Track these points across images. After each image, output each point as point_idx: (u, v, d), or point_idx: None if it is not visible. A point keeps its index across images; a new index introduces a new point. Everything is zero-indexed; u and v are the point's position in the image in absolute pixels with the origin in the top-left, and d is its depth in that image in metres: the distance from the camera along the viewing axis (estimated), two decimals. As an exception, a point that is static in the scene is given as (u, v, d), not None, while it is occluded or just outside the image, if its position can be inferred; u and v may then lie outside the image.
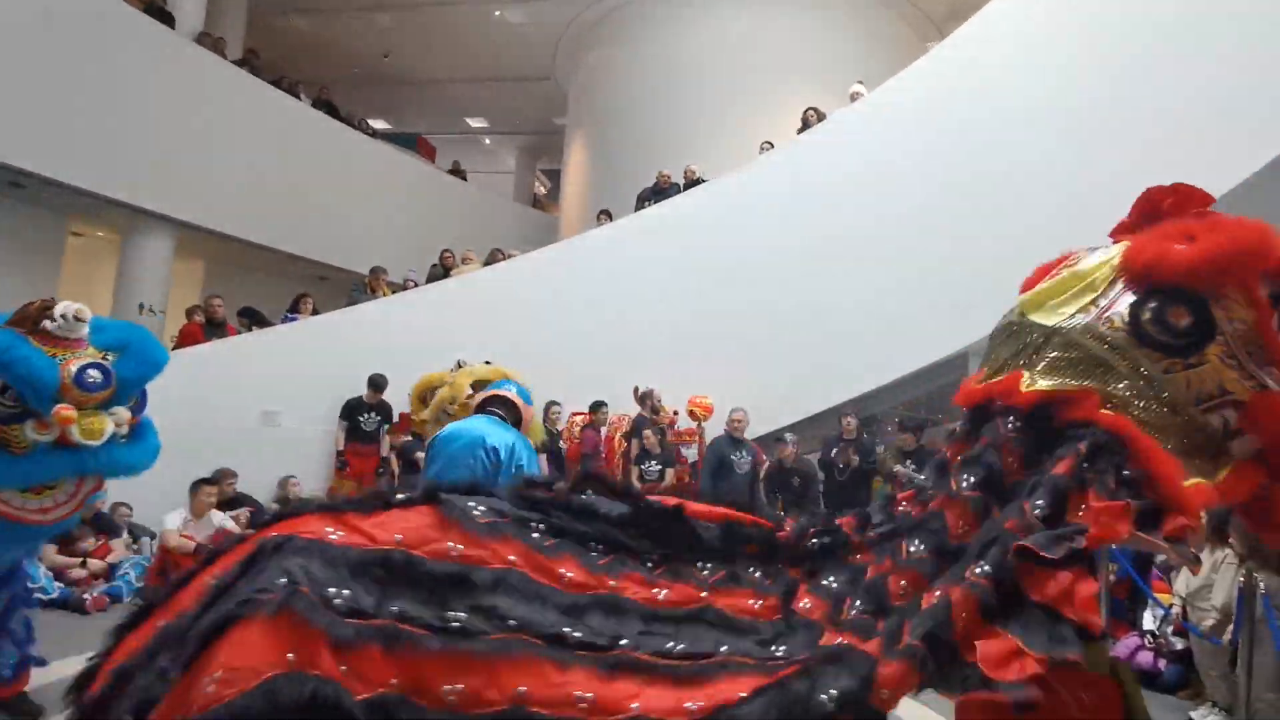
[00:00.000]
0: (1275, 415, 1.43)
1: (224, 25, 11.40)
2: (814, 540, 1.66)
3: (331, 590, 1.28)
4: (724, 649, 1.38)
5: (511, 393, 3.33)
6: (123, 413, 2.95)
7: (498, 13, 12.99)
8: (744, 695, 1.25)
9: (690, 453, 7.20)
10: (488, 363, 4.61)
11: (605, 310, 7.64)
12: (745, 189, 7.81)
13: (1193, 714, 4.09)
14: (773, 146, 9.10)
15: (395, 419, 7.02)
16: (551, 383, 6.93)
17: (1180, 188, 1.67)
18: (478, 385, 3.91)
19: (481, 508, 1.51)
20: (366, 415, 6.89)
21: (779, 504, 6.45)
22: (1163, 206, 1.65)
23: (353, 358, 7.09)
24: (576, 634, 1.35)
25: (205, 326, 7.55)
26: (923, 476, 6.51)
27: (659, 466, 6.56)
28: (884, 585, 1.50)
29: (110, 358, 2.91)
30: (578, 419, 7.12)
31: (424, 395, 4.84)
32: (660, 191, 9.51)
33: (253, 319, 8.14)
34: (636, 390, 7.06)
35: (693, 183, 9.11)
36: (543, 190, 21.25)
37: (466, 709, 1.25)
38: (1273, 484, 1.47)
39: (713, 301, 7.44)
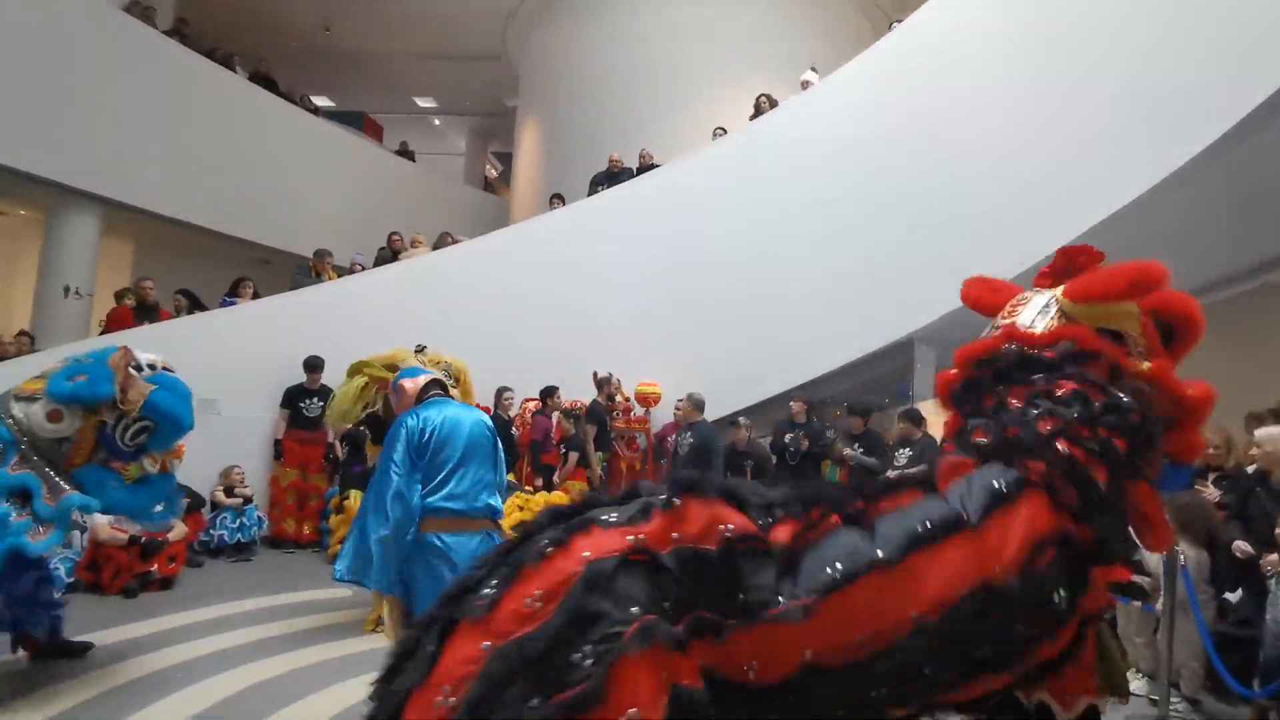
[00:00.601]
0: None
1: (153, -8, 10.81)
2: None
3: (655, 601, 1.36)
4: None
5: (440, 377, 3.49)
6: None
7: (446, -13, 12.67)
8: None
9: (640, 439, 7.23)
10: (420, 347, 4.62)
11: (557, 296, 7.58)
12: (698, 174, 7.82)
13: (1120, 681, 4.30)
14: (725, 132, 9.12)
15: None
16: (503, 368, 6.86)
17: (1086, 248, 2.30)
18: (391, 369, 4.04)
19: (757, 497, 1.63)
20: (308, 401, 6.70)
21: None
22: (1077, 261, 2.25)
23: (296, 344, 6.86)
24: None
25: (136, 310, 7.21)
26: (871, 460, 6.62)
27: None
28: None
29: None
30: (530, 405, 7.06)
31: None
32: (613, 176, 9.45)
33: (191, 300, 7.81)
34: (595, 375, 7.05)
35: (647, 167, 9.08)
36: (494, 173, 20.89)
37: (764, 679, 1.38)
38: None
39: (665, 287, 7.45)
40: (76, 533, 5.39)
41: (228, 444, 6.38)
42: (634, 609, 1.31)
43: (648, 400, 7.28)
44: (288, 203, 11.27)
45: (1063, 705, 1.90)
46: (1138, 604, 4.09)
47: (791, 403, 6.66)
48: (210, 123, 10.08)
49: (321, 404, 6.74)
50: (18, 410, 3.32)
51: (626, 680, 1.25)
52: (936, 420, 4.81)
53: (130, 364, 3.40)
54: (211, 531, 6.03)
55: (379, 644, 4.21)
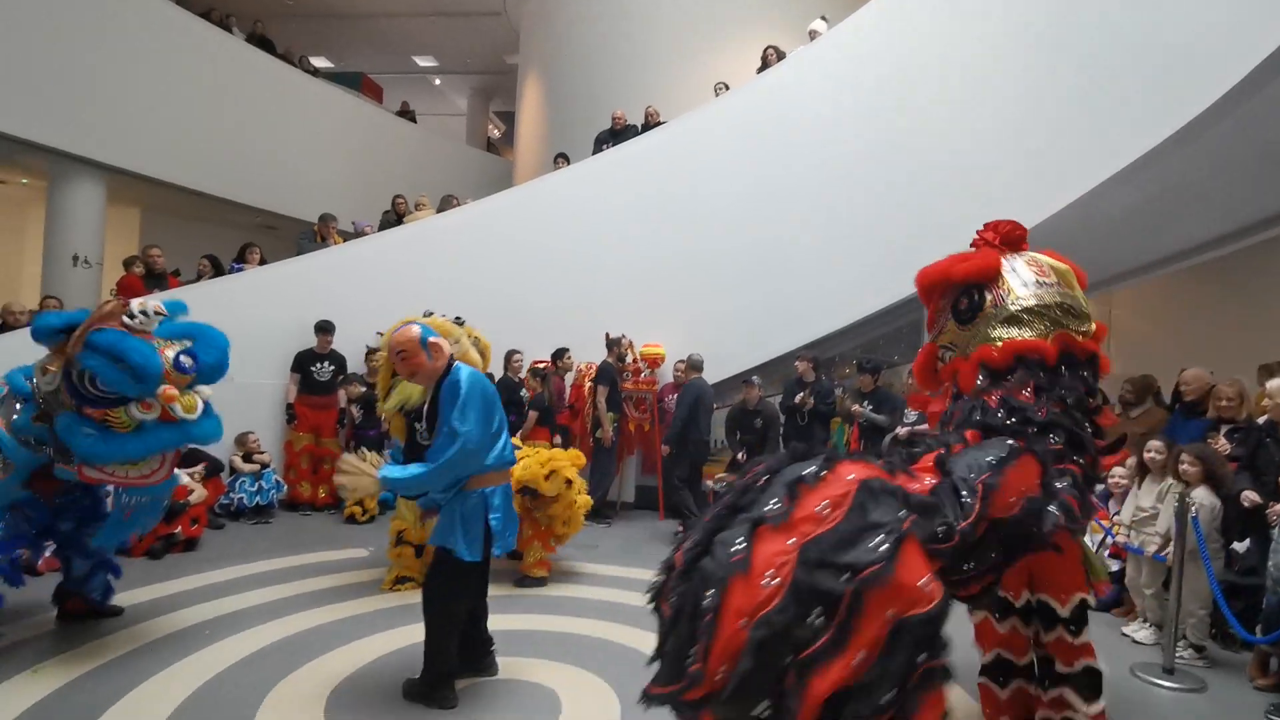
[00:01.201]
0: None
1: (145, -47, 10.57)
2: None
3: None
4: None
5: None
6: (206, 390, 3.58)
7: (443, -59, 12.33)
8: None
9: (649, 400, 7.26)
10: (459, 320, 4.58)
11: (564, 256, 7.53)
12: (704, 130, 7.67)
13: (1125, 629, 4.37)
14: (727, 88, 8.94)
15: (349, 369, 6.89)
16: (511, 331, 6.86)
17: (1011, 223, 2.79)
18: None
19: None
20: (319, 365, 6.73)
21: (740, 444, 6.57)
22: (1014, 235, 2.76)
23: (305, 309, 6.88)
24: None
25: (145, 278, 7.23)
26: (881, 417, 6.65)
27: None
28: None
29: (183, 345, 3.51)
30: (540, 367, 7.07)
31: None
32: (617, 133, 9.31)
33: (215, 265, 7.80)
34: (607, 336, 7.05)
35: (652, 125, 8.93)
36: (497, 133, 20.60)
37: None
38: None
39: (672, 245, 7.39)
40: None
41: (242, 410, 6.43)
42: (901, 512, 1.74)
43: (652, 362, 7.29)
44: (290, 167, 11.17)
45: (1060, 602, 2.60)
46: (1149, 553, 4.13)
47: (796, 362, 6.65)
48: (210, 86, 9.95)
49: (332, 367, 6.79)
50: (37, 378, 3.48)
51: (910, 559, 1.66)
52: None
53: (112, 314, 3.33)
54: (231, 495, 6.13)
55: (395, 602, 4.32)
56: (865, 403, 6.13)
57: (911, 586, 1.61)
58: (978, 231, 2.81)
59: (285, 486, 6.57)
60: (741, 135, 7.45)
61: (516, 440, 4.78)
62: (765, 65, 8.67)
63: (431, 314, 4.93)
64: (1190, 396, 4.99)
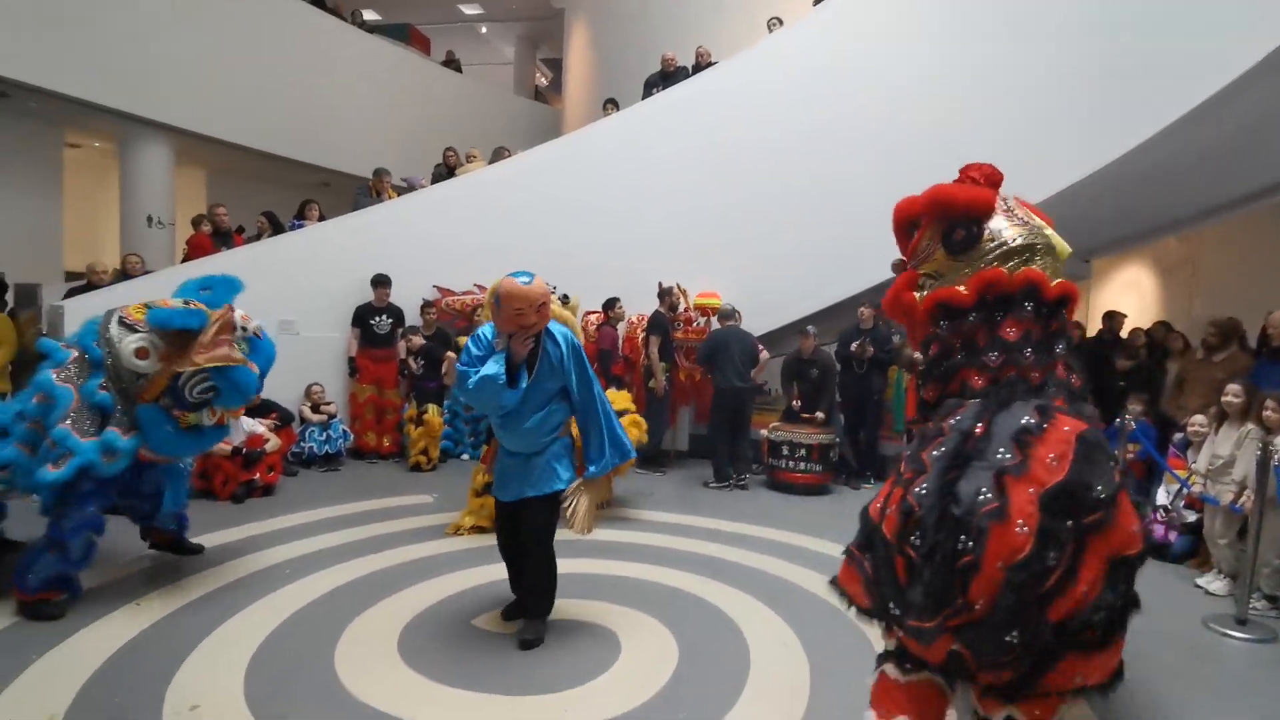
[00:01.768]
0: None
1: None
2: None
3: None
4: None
5: None
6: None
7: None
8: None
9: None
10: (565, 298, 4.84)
11: (616, 205, 7.46)
12: (758, 70, 7.40)
13: (1199, 580, 4.25)
14: (781, 23, 8.57)
15: (406, 321, 7.06)
16: (563, 281, 6.86)
17: (991, 166, 2.75)
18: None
19: None
20: (378, 319, 6.91)
21: (795, 393, 6.51)
22: (995, 178, 2.73)
23: (364, 263, 7.03)
24: None
25: (213, 236, 7.50)
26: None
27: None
28: None
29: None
30: (591, 317, 7.11)
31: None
32: (668, 76, 9.07)
33: (273, 222, 8.05)
34: (660, 285, 7.01)
35: (703, 66, 8.66)
36: (544, 82, 20.34)
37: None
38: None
39: (727, 191, 7.23)
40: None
41: (307, 363, 6.69)
42: (1111, 463, 1.97)
43: (707, 311, 7.23)
44: (344, 123, 11.30)
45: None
46: (1226, 503, 3.97)
47: (861, 309, 6.50)
48: (269, 47, 10.09)
49: (391, 320, 6.96)
50: (114, 331, 3.49)
51: (1124, 507, 1.91)
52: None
53: (230, 325, 3.59)
54: (302, 444, 6.43)
55: (460, 546, 4.50)
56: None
57: (1127, 530, 1.88)
58: (961, 170, 2.78)
59: (352, 436, 6.85)
60: (798, 72, 7.16)
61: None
62: (821, -2, 8.26)
63: (568, 298, 5.54)
64: (1278, 341, 4.72)
